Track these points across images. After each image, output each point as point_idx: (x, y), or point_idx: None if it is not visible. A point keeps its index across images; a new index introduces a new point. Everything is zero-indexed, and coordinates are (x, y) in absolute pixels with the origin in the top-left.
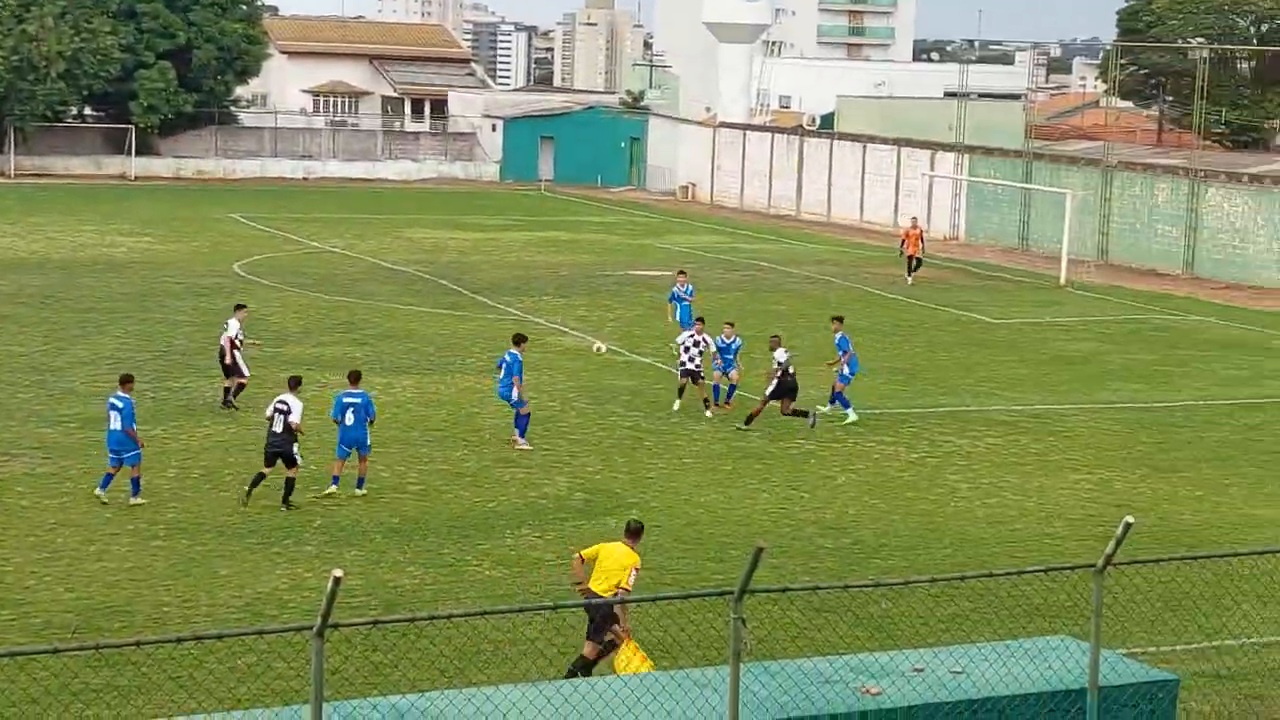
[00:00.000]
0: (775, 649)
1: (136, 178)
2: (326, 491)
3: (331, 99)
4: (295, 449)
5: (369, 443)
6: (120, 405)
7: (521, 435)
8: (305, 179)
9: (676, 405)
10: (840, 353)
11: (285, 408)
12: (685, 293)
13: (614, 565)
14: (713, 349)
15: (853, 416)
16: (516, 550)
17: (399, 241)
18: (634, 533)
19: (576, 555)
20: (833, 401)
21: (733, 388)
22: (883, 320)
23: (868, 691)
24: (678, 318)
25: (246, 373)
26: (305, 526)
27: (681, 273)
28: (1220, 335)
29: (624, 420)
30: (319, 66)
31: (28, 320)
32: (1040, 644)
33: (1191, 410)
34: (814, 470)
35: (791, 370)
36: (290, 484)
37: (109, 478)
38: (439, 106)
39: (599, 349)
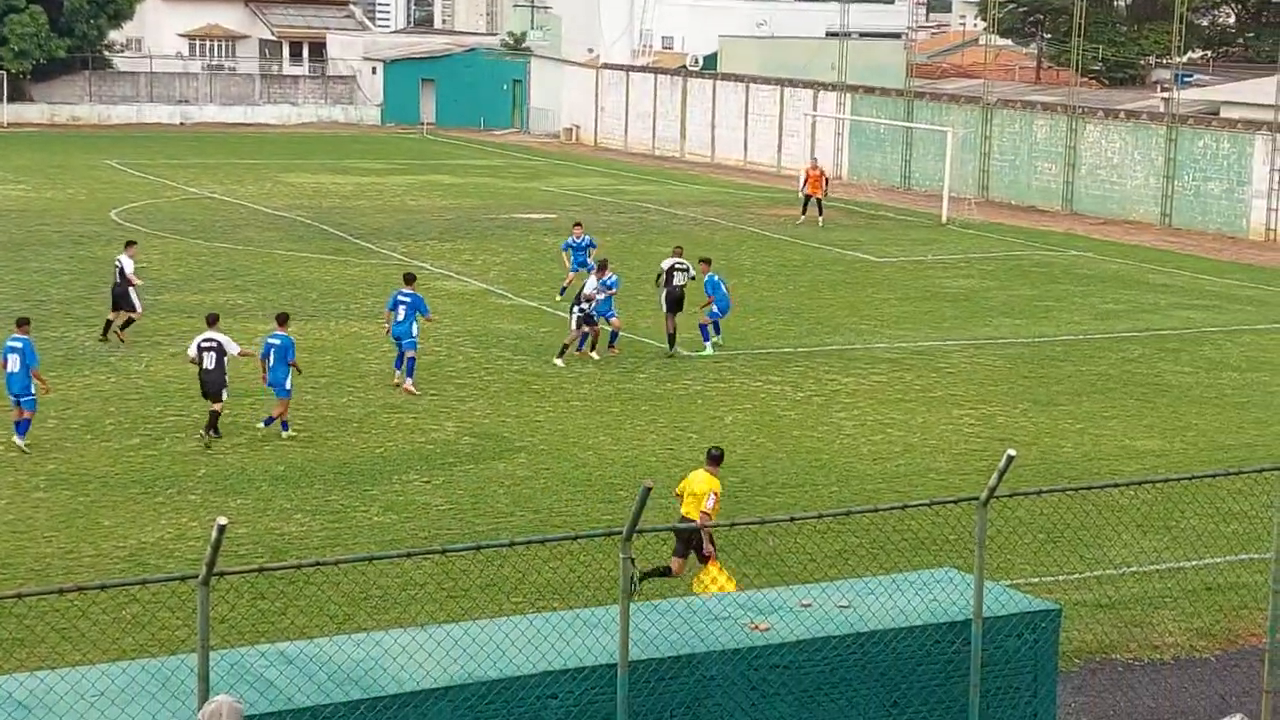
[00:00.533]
0: (664, 587)
1: (9, 124)
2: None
3: (208, 42)
4: (225, 386)
5: (288, 386)
6: (19, 346)
7: (410, 377)
8: (182, 124)
9: (595, 355)
10: (708, 294)
11: (214, 343)
12: (581, 244)
13: (698, 490)
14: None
15: (709, 350)
16: (404, 496)
17: (280, 187)
18: (715, 459)
19: (676, 492)
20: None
21: (614, 334)
22: (768, 260)
23: (756, 627)
24: (571, 268)
25: (139, 308)
26: (189, 475)
27: (578, 224)
28: (1098, 270)
29: (511, 364)
30: (194, 10)
31: None
32: (925, 577)
33: (1071, 345)
34: (701, 411)
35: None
36: (215, 416)
37: (25, 424)
38: (318, 49)
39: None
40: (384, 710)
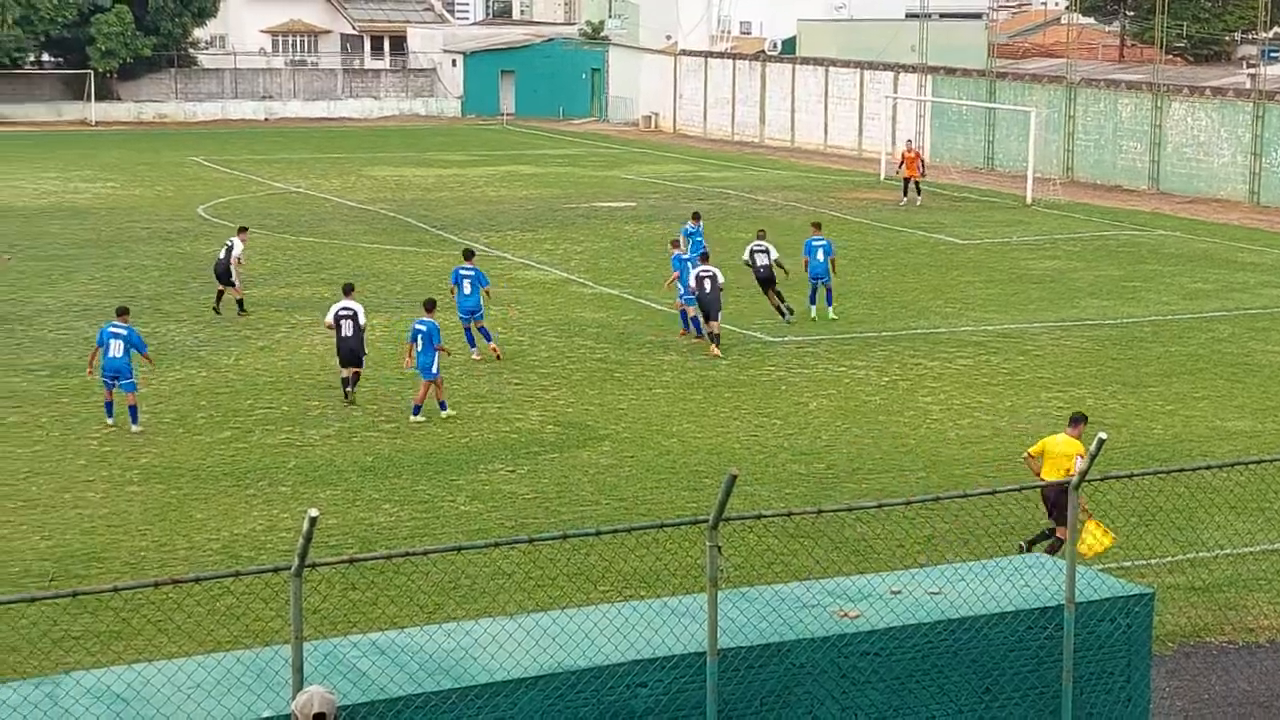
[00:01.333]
0: (752, 575)
1: (97, 123)
2: (446, 415)
3: (290, 38)
4: (364, 349)
5: (434, 369)
6: (123, 332)
7: (491, 340)
8: (266, 120)
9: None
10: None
11: (351, 311)
12: (697, 231)
13: (1060, 454)
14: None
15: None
16: (490, 485)
17: (362, 180)
18: (1076, 421)
19: (1025, 455)
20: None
21: (684, 315)
22: (850, 244)
23: (846, 615)
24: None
25: (238, 286)
26: (279, 468)
27: (695, 214)
28: (1186, 249)
29: (593, 353)
30: (277, 6)
31: None
32: (1016, 562)
33: (1159, 325)
34: (785, 397)
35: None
36: (356, 378)
37: (133, 410)
38: (398, 43)
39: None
40: (475, 699)
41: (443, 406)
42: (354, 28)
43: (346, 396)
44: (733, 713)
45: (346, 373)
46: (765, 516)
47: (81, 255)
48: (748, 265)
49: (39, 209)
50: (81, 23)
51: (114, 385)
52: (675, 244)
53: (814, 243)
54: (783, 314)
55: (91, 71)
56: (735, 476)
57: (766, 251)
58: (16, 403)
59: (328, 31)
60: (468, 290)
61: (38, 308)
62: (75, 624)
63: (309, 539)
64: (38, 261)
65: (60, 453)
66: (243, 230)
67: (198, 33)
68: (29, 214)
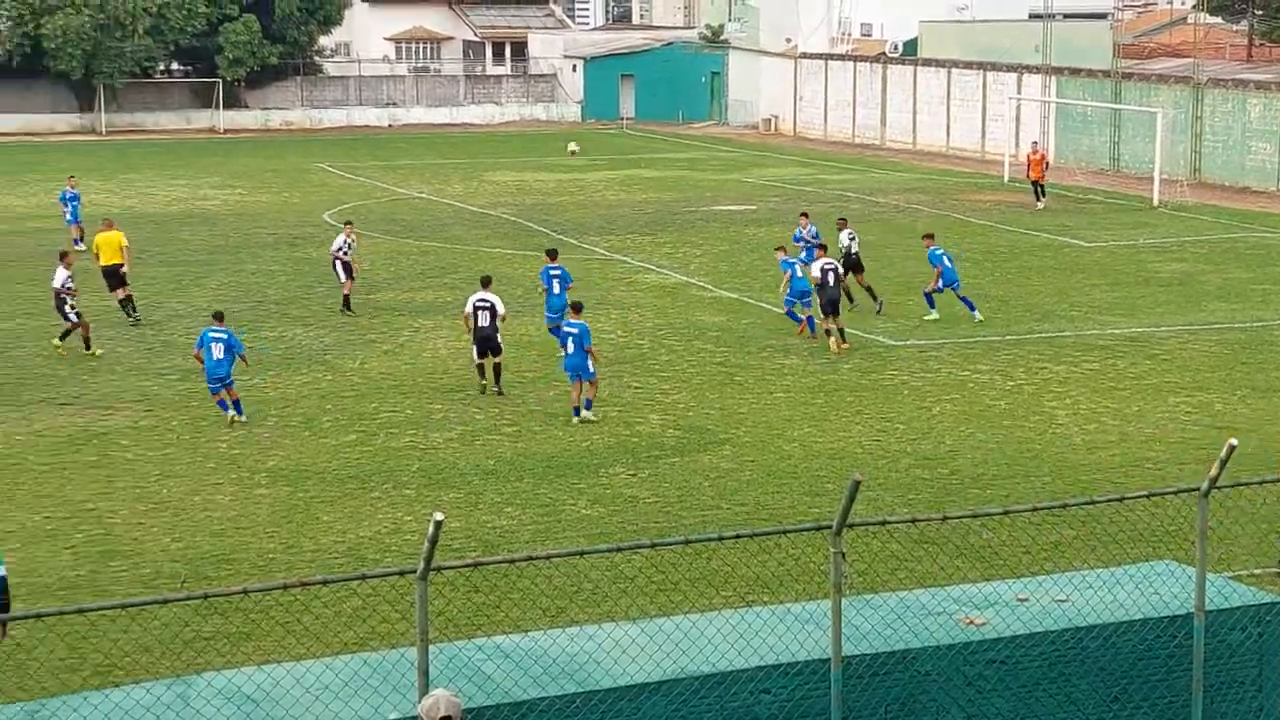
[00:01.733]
0: (876, 582)
1: (225, 131)
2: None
3: (413, 45)
4: (499, 339)
5: (591, 369)
6: (224, 336)
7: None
8: (390, 126)
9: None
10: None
11: (487, 303)
12: (809, 234)
13: None
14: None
15: (933, 315)
16: (611, 489)
17: (484, 185)
18: None
19: None
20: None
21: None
22: (974, 247)
23: (972, 622)
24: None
25: (344, 277)
26: (403, 471)
27: (804, 214)
28: None
29: (713, 356)
30: (400, 13)
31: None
32: (1145, 570)
33: None
34: (908, 401)
35: (855, 250)
36: (499, 369)
37: (237, 403)
38: (519, 49)
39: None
40: (598, 704)
41: (588, 406)
42: (476, 34)
43: (484, 389)
44: None
45: (483, 361)
46: (889, 523)
47: (211, 261)
48: (842, 252)
49: (170, 215)
50: (210, 32)
51: (220, 388)
52: (782, 249)
53: (937, 252)
54: (874, 297)
55: (220, 80)
56: (859, 482)
57: (854, 238)
58: (148, 406)
59: (450, 38)
60: (556, 290)
61: (168, 312)
62: (206, 625)
63: (434, 542)
64: (169, 267)
65: (190, 455)
66: (347, 224)
67: (323, 41)
68: (160, 220)
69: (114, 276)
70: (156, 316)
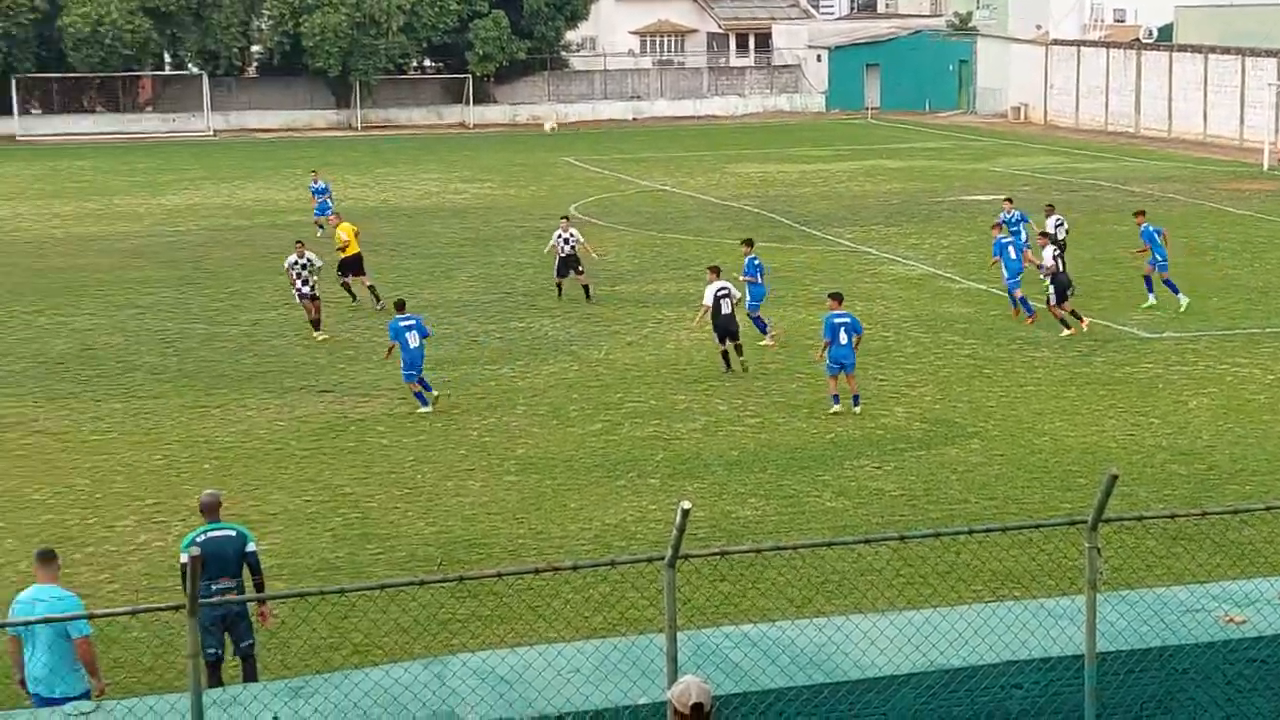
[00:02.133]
0: (1131, 578)
1: (474, 126)
2: (832, 410)
3: (658, 38)
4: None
5: (854, 361)
6: (414, 322)
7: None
8: (634, 119)
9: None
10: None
11: (726, 291)
12: (1011, 219)
13: None
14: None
15: (1151, 302)
16: (856, 481)
17: (727, 177)
18: None
19: None
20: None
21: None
22: (1231, 237)
23: (1231, 620)
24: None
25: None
26: (648, 460)
27: (1008, 199)
28: None
29: (960, 349)
30: (645, 7)
31: (379, 267)
32: None
33: None
34: (1163, 395)
35: (1063, 236)
36: (740, 349)
37: (422, 396)
38: (763, 40)
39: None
40: (846, 695)
41: (855, 401)
42: (720, 26)
43: (729, 367)
44: (1111, 717)
45: (726, 346)
46: (1146, 518)
47: (461, 253)
48: (1049, 238)
49: (421, 209)
50: (461, 29)
51: (416, 376)
52: (997, 227)
53: (1149, 229)
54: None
55: (469, 75)
56: (1116, 477)
57: (1061, 224)
58: (402, 395)
59: (694, 31)
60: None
61: (420, 303)
62: (460, 607)
63: (682, 530)
64: (420, 259)
65: (443, 442)
66: (564, 219)
67: (569, 35)
68: (412, 213)
69: (355, 265)
70: (410, 307)
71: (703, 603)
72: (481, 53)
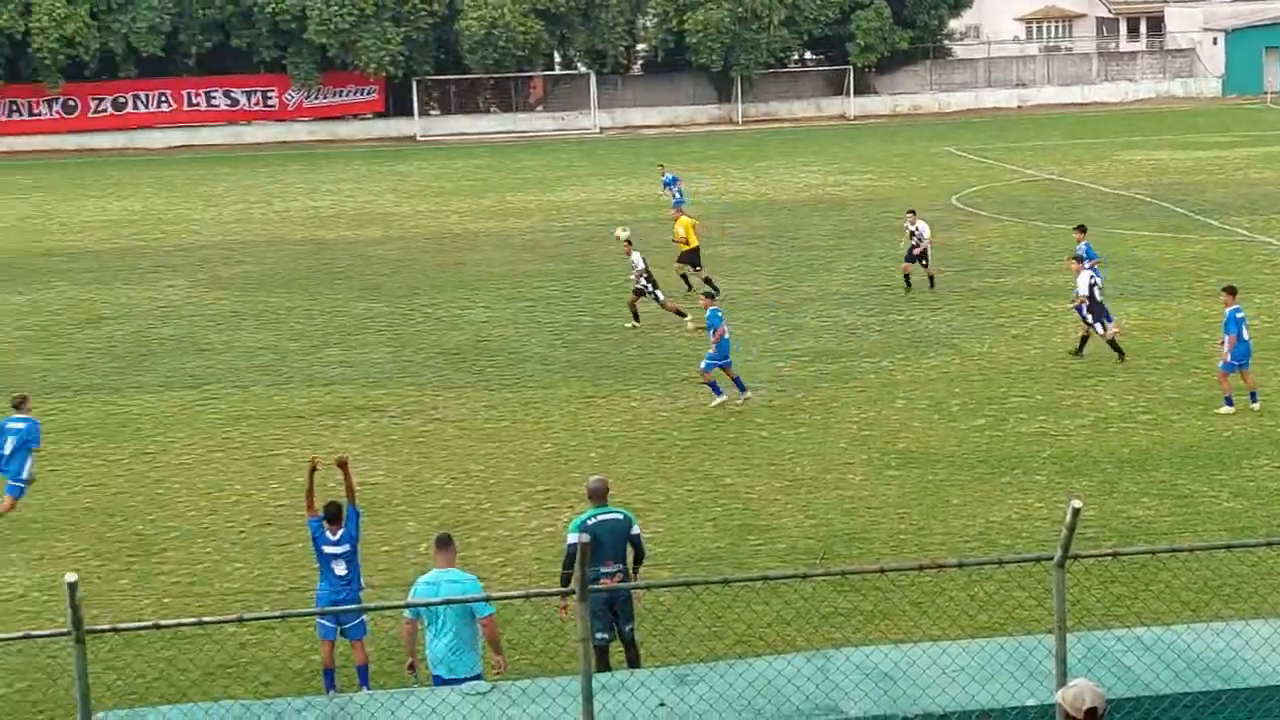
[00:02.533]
0: None
1: (855, 117)
2: (1223, 411)
3: (1044, 24)
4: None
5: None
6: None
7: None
8: (1019, 107)
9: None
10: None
11: (1098, 281)
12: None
13: None
14: None
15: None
16: (1255, 481)
17: (1116, 165)
18: None
19: None
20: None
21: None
22: None
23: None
24: None
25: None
26: (1034, 456)
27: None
28: None
29: None
30: None
31: (758, 260)
32: None
33: None
34: None
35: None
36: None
37: (716, 386)
38: (1155, 24)
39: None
40: (1245, 702)
41: (1253, 398)
42: (1110, 10)
43: (1078, 353)
44: None
45: (1100, 332)
46: None
47: (840, 246)
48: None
49: (800, 201)
50: (842, 20)
51: (728, 363)
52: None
53: None
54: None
55: (850, 67)
56: None
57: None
58: (781, 386)
59: (1083, 16)
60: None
61: (800, 296)
62: (841, 601)
63: (1072, 530)
64: (799, 252)
65: (822, 435)
66: (911, 211)
67: (952, 24)
68: (791, 206)
69: (693, 258)
70: (789, 300)
71: (1093, 604)
72: (863, 44)
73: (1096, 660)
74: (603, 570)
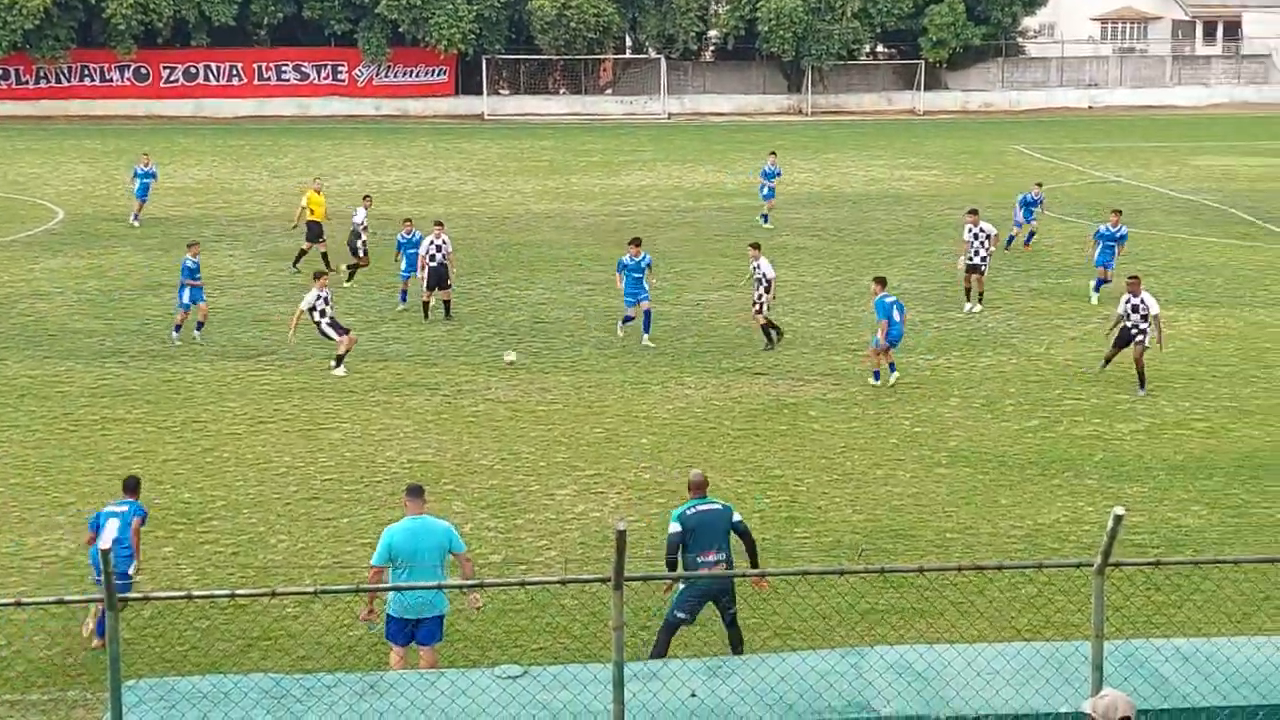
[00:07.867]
0: None
1: (924, 112)
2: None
3: (1119, 25)
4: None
5: None
6: (895, 300)
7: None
8: (1090, 108)
9: None
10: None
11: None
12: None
13: None
14: None
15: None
16: None
17: (1186, 169)
18: None
19: None
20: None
21: None
22: None
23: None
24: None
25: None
26: (1086, 460)
27: (1116, 212)
28: None
29: None
30: None
31: (821, 252)
32: None
33: None
34: None
35: None
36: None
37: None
38: (1232, 28)
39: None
40: None
41: None
42: (1186, 13)
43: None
44: None
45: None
46: None
47: (903, 240)
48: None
49: (866, 195)
50: (915, 14)
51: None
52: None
53: None
54: None
55: (922, 61)
56: None
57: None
58: (836, 380)
59: (1159, 18)
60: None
61: (860, 289)
62: (881, 598)
63: (1114, 536)
64: (862, 245)
65: (874, 430)
66: (972, 211)
67: (1026, 21)
68: (856, 199)
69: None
70: (848, 293)
71: (1133, 612)
72: (935, 38)
73: (1133, 669)
74: (702, 560)
